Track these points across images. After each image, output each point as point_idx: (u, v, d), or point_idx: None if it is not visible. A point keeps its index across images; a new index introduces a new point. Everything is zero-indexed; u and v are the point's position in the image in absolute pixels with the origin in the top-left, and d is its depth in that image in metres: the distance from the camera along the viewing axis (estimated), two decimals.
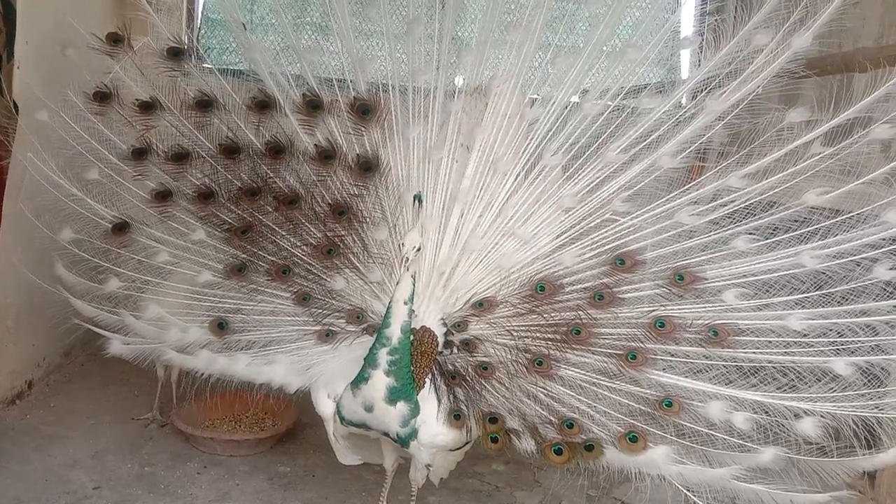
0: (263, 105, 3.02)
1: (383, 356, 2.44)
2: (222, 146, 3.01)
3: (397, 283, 2.46)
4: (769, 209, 2.64)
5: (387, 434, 2.50)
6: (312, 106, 2.98)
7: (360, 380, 2.46)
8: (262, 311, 2.82)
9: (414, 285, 2.45)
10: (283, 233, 2.88)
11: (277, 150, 2.96)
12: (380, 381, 2.44)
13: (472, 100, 3.02)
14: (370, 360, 2.44)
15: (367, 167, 2.88)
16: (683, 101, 2.89)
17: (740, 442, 2.37)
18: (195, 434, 3.42)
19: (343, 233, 2.83)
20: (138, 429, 3.56)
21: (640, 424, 2.43)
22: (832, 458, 2.32)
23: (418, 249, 2.42)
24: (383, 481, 2.80)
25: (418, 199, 2.58)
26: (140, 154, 3.04)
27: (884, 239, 2.48)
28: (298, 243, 2.86)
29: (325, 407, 2.62)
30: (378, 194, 2.86)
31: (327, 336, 2.73)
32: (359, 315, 2.74)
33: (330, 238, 2.83)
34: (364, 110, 2.94)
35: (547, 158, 2.87)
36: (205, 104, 3.03)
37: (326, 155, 2.91)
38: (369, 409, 2.45)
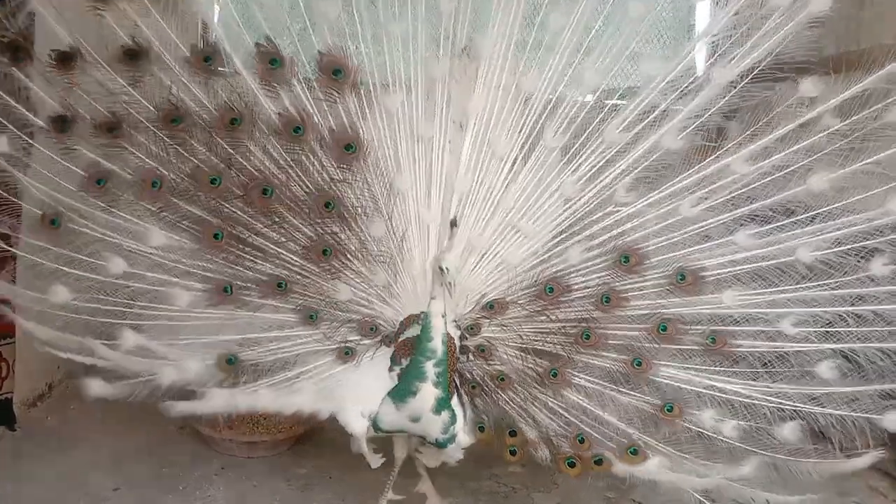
0: (207, 58, 2.69)
1: (430, 369, 2.61)
2: (164, 112, 2.69)
3: (432, 299, 2.61)
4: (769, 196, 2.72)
5: (422, 437, 2.71)
6: (270, 61, 2.71)
7: (406, 393, 2.63)
8: (270, 340, 2.77)
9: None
10: (265, 230, 2.74)
11: (232, 120, 2.68)
12: (429, 394, 2.62)
13: (459, 64, 2.88)
14: (417, 374, 2.62)
15: (348, 145, 2.75)
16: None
17: (729, 446, 2.64)
18: (213, 436, 3.70)
19: (336, 229, 2.77)
20: (157, 430, 3.78)
21: (642, 436, 2.69)
22: (811, 459, 2.60)
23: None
24: (391, 472, 3.01)
25: (454, 223, 2.66)
26: (61, 123, 2.67)
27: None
28: (284, 241, 2.75)
29: (359, 425, 2.72)
30: (366, 180, 2.79)
31: (347, 355, 2.81)
32: (372, 327, 2.84)
33: (320, 236, 2.76)
34: (335, 69, 2.74)
35: (548, 139, 2.85)
36: (133, 54, 2.67)
37: (294, 127, 2.72)
38: (416, 419, 2.65)
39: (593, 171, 2.84)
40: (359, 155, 2.74)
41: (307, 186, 2.74)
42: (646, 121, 2.77)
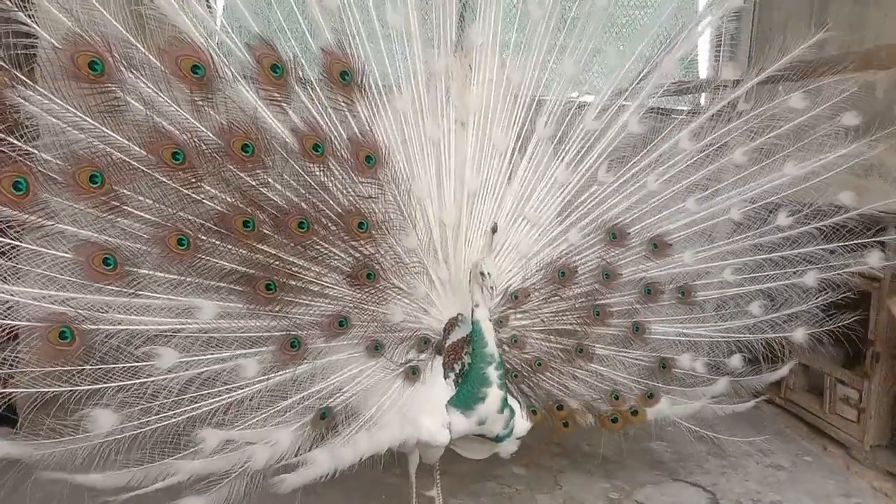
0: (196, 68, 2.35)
1: (493, 373, 2.68)
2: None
3: (476, 306, 2.68)
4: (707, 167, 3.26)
5: (482, 435, 2.77)
6: (273, 68, 2.46)
7: (474, 400, 2.68)
8: (355, 386, 2.67)
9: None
10: (307, 267, 2.59)
11: (245, 146, 2.41)
12: (495, 397, 2.71)
13: (455, 61, 2.98)
14: (482, 380, 2.67)
15: (368, 156, 2.65)
16: None
17: (705, 378, 3.30)
18: None
19: (372, 250, 2.71)
20: None
21: (652, 382, 3.17)
22: (752, 377, 3.42)
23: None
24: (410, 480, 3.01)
25: (494, 229, 2.76)
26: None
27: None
28: (327, 273, 2.62)
29: (444, 435, 2.74)
30: (389, 191, 2.72)
31: (413, 374, 2.80)
32: (425, 340, 2.86)
33: (361, 260, 2.68)
34: (343, 72, 2.59)
35: (540, 129, 3.05)
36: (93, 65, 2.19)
37: (314, 144, 2.53)
38: (483, 422, 2.71)
39: (579, 155, 3.11)
40: (379, 166, 2.66)
41: (337, 209, 2.61)
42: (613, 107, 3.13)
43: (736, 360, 3.41)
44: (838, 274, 3.33)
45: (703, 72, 3.79)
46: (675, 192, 3.20)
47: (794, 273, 3.35)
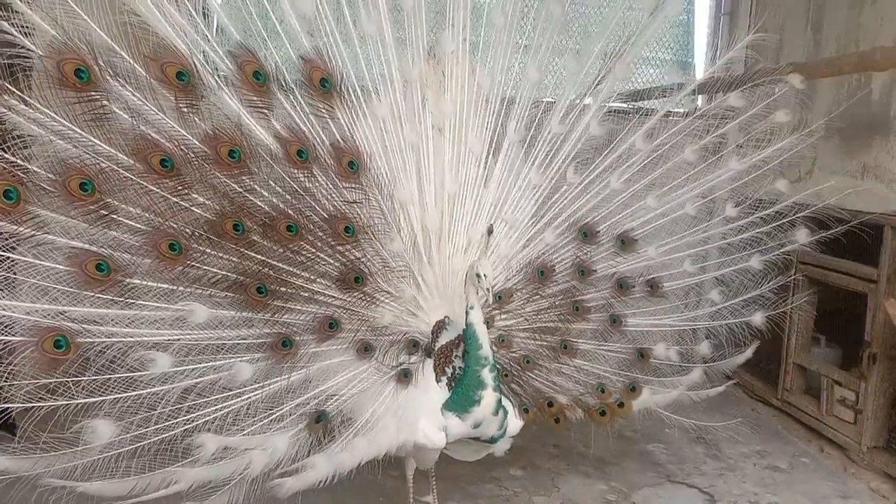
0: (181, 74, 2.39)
1: (487, 375, 2.67)
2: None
3: (471, 308, 2.71)
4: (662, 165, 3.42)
5: (476, 438, 2.78)
6: (255, 75, 2.51)
7: (470, 403, 2.67)
8: (350, 390, 2.66)
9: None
10: (296, 272, 2.59)
11: (231, 152, 2.45)
12: (491, 399, 2.70)
13: (429, 68, 3.03)
14: (477, 383, 2.66)
15: (351, 162, 2.71)
16: None
17: (679, 367, 3.43)
18: None
19: (358, 254, 2.74)
20: None
21: (633, 374, 3.27)
22: (720, 362, 3.58)
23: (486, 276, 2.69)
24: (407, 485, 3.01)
25: (490, 231, 2.77)
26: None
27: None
28: (315, 278, 2.63)
29: (440, 437, 2.74)
30: (372, 195, 2.76)
31: (405, 377, 2.79)
32: (414, 342, 2.86)
33: (348, 264, 2.71)
34: (323, 80, 2.65)
35: (510, 134, 3.12)
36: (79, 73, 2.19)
37: (298, 150, 2.57)
38: (478, 425, 2.70)
39: (548, 158, 3.21)
40: (362, 171, 2.72)
41: (323, 214, 2.65)
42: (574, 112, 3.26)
43: (705, 347, 3.57)
44: (777, 255, 3.51)
45: (700, 73, 3.80)
46: (637, 191, 3.30)
47: (741, 258, 3.52)
